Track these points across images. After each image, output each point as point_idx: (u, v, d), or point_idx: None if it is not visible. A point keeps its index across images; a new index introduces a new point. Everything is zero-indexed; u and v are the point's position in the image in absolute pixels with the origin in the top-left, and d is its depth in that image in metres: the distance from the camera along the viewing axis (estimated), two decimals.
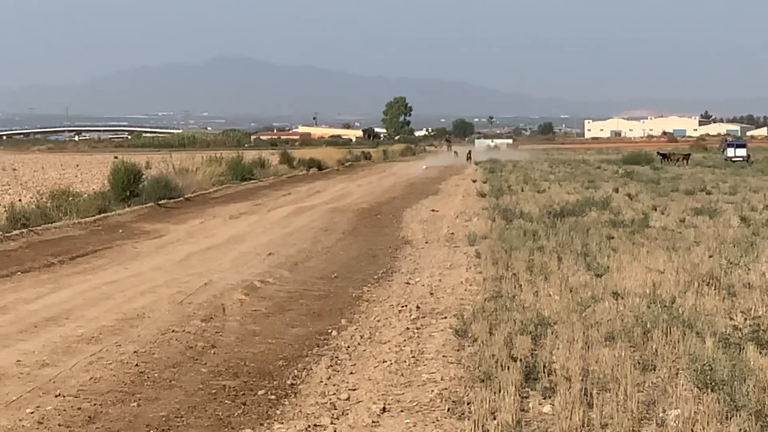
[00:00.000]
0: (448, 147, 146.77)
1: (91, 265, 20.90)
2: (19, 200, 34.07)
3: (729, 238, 21.77)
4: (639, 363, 10.87)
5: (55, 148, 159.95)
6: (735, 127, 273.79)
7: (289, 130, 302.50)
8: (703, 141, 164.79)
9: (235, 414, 10.22)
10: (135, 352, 12.68)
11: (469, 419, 9.30)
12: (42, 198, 31.09)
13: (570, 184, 47.92)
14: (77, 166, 77.23)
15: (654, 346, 11.59)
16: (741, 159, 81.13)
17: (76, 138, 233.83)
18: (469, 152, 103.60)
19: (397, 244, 24.82)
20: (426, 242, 24.68)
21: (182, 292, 17.21)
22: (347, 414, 9.95)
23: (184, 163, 49.79)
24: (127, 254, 22.91)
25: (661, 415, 9.24)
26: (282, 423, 9.80)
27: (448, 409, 9.86)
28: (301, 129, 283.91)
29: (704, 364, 9.94)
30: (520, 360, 10.84)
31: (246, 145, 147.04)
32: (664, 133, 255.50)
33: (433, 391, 10.58)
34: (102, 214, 30.93)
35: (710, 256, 18.57)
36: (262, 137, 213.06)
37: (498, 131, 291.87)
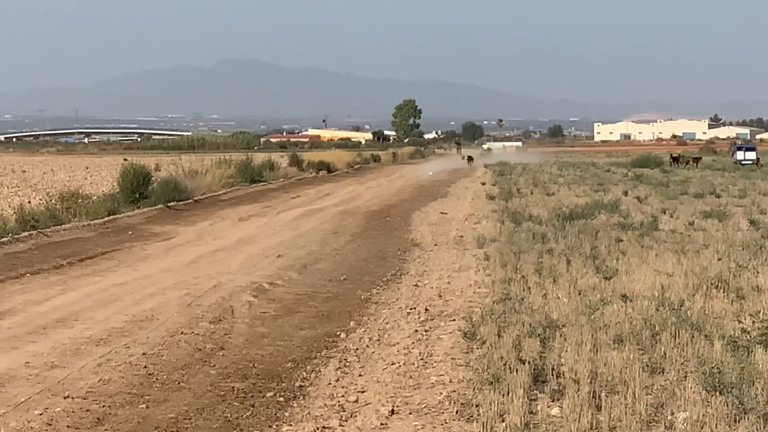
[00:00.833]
0: (458, 150, 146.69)
1: (100, 267, 20.92)
2: (29, 202, 34.20)
3: (738, 241, 21.75)
4: (647, 366, 10.86)
5: (65, 150, 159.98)
6: (744, 131, 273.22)
7: (298, 132, 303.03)
8: (712, 144, 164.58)
9: (244, 416, 10.23)
10: (144, 354, 12.70)
11: (477, 422, 9.31)
12: (51, 200, 31.19)
13: (579, 186, 47.89)
14: (86, 168, 77.29)
15: (662, 349, 11.58)
16: (750, 162, 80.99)
17: (86, 140, 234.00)
18: (469, 156, 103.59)
19: (406, 246, 24.82)
20: (435, 245, 24.68)
21: (191, 294, 17.23)
22: (356, 416, 9.96)
23: (194, 166, 49.80)
24: (136, 256, 22.93)
25: (669, 418, 9.23)
26: (290, 425, 9.81)
27: (457, 412, 9.87)
28: (311, 131, 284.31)
29: (713, 367, 9.94)
30: (529, 362, 10.84)
31: (255, 148, 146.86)
32: (674, 136, 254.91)
33: (441, 393, 10.59)
34: (111, 216, 31.02)
35: (719, 259, 18.56)
36: (271, 139, 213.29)
37: (507, 134, 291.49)
